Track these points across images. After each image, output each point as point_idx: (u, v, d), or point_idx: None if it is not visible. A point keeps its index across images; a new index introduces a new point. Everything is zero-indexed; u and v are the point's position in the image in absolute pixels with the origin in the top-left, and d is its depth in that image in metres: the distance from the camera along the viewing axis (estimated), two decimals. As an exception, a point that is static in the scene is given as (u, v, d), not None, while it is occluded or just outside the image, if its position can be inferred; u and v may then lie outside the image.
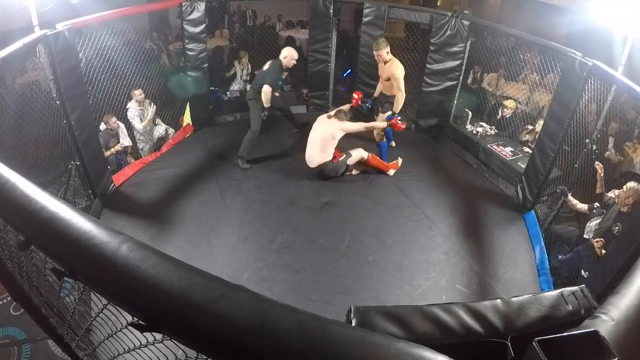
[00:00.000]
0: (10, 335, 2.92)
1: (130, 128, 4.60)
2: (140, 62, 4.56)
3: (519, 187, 4.25)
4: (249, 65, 6.15)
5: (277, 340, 0.57)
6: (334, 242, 3.58)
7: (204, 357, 0.63)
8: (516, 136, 5.02)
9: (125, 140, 4.46)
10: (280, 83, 4.67)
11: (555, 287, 3.24)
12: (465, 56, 4.94)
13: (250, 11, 8.67)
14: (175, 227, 3.64)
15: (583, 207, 3.52)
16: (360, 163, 4.44)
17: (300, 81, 5.99)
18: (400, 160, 4.62)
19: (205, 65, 5.07)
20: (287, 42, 7.27)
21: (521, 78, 5.86)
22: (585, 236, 3.34)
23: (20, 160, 3.21)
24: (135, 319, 0.65)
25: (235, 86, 6.00)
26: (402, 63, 4.45)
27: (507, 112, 5.19)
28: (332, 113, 4.40)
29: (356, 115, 4.80)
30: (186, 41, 4.85)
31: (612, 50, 4.44)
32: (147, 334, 0.68)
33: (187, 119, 5.34)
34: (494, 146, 4.86)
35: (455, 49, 4.89)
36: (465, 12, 4.82)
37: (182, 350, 0.72)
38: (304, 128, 5.15)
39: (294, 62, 4.51)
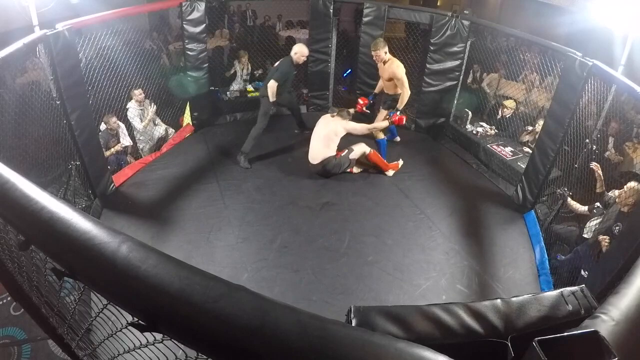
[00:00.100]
0: (10, 335, 2.92)
1: (130, 128, 4.61)
2: (140, 62, 4.56)
3: (519, 187, 4.25)
4: (249, 65, 6.14)
5: (277, 340, 0.57)
6: (334, 242, 3.58)
7: (204, 357, 0.63)
8: (516, 136, 5.02)
9: (125, 140, 4.46)
10: (290, 78, 4.68)
11: (555, 287, 3.24)
12: (465, 56, 4.94)
13: (250, 11, 8.68)
14: (175, 227, 3.64)
15: (583, 209, 3.52)
16: (361, 160, 4.44)
17: (300, 81, 5.99)
18: (401, 162, 4.61)
19: (205, 65, 5.07)
20: (287, 42, 7.27)
21: (521, 78, 5.86)
22: (585, 236, 3.34)
23: (20, 160, 3.21)
24: (135, 319, 0.65)
25: (235, 86, 6.00)
26: (402, 63, 4.45)
27: (507, 112, 5.19)
28: (335, 113, 4.43)
29: (358, 116, 4.80)
30: (186, 41, 4.85)
31: (612, 50, 4.44)
32: (147, 334, 0.68)
33: (187, 119, 5.34)
34: (494, 146, 4.86)
35: (455, 49, 4.89)
36: (465, 12, 4.83)
37: (182, 350, 0.72)
38: (305, 130, 5.16)
39: (304, 58, 4.57)
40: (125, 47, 4.33)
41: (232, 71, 6.09)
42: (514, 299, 0.83)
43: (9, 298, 3.09)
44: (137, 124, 4.59)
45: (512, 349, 0.74)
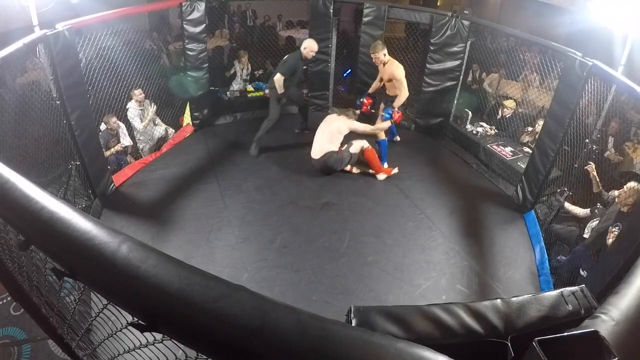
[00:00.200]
0: (10, 335, 2.92)
1: (130, 128, 4.61)
2: (140, 62, 4.56)
3: (519, 187, 4.25)
4: (249, 65, 6.15)
5: (277, 340, 0.57)
6: (334, 242, 3.58)
7: (204, 357, 0.63)
8: (516, 136, 5.02)
9: (125, 140, 4.46)
10: (298, 72, 4.74)
11: (555, 287, 3.24)
12: (465, 56, 4.94)
13: (250, 11, 8.67)
14: (175, 227, 3.64)
15: (585, 211, 3.51)
16: (360, 159, 4.44)
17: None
18: (396, 170, 4.53)
19: (205, 65, 5.07)
20: (287, 42, 7.27)
21: (521, 78, 5.86)
22: (585, 236, 3.34)
23: (20, 160, 3.21)
24: (135, 319, 0.65)
25: (235, 86, 6.00)
26: (402, 63, 4.46)
27: (507, 112, 5.19)
28: (339, 112, 4.47)
29: (360, 118, 4.80)
30: (186, 41, 4.85)
31: (612, 50, 4.44)
32: (147, 334, 0.68)
33: (187, 119, 5.34)
34: (494, 146, 4.86)
35: (455, 49, 4.89)
36: (465, 12, 4.84)
37: (182, 350, 0.72)
38: (306, 130, 5.17)
39: (313, 53, 4.63)
40: (125, 47, 4.33)
41: (232, 71, 6.09)
42: (514, 299, 0.83)
43: (9, 298, 3.09)
44: (137, 124, 4.59)
45: (512, 349, 0.74)
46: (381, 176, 4.44)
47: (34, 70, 4.35)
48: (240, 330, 0.57)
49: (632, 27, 4.02)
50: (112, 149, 4.37)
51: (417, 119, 5.59)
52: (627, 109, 4.68)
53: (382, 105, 4.76)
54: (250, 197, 4.11)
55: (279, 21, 8.88)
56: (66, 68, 3.25)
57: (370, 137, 4.62)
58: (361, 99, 4.73)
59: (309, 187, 4.31)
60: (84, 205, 3.67)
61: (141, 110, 4.63)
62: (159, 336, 0.67)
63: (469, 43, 4.87)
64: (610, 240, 2.87)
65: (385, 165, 4.63)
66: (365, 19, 5.25)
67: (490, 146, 4.86)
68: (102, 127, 4.33)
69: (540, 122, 4.30)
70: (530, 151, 4.35)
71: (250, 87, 6.04)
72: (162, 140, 4.94)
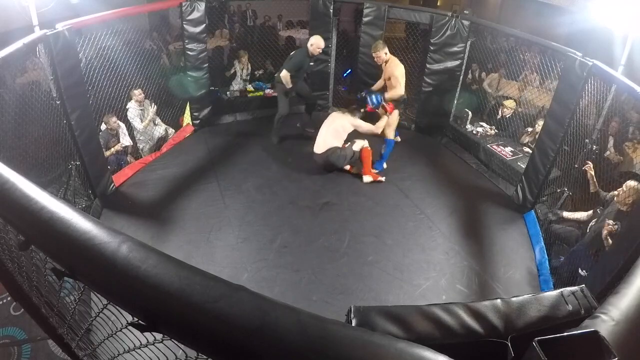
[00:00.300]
0: (10, 335, 2.92)
1: (130, 128, 4.60)
2: (140, 62, 4.56)
3: (519, 187, 4.25)
4: (249, 65, 6.14)
5: (277, 340, 0.57)
6: (334, 242, 3.58)
7: (204, 357, 0.63)
8: (516, 136, 5.02)
9: (125, 140, 4.46)
10: (304, 68, 4.81)
11: (555, 287, 3.24)
12: (465, 56, 4.94)
13: (250, 11, 8.68)
14: (175, 227, 3.64)
15: (587, 214, 3.51)
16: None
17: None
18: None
19: (205, 65, 5.07)
20: (287, 42, 7.27)
21: (521, 78, 5.86)
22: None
23: (20, 160, 3.21)
24: (135, 319, 0.65)
25: (236, 86, 6.00)
26: (402, 63, 4.45)
27: (507, 112, 5.19)
28: (342, 110, 4.50)
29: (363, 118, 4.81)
30: (186, 41, 4.85)
31: (612, 50, 4.44)
32: (147, 334, 0.68)
33: (187, 119, 5.34)
34: (494, 146, 4.86)
35: (455, 49, 4.89)
36: (465, 12, 4.84)
37: (182, 350, 0.72)
38: (309, 128, 5.18)
39: (320, 50, 4.70)
40: (125, 47, 4.33)
41: (232, 71, 6.09)
42: (514, 299, 0.83)
43: (9, 298, 3.09)
44: (137, 124, 4.59)
45: (512, 349, 0.74)
46: (367, 178, 4.40)
47: (34, 70, 4.36)
48: (240, 330, 0.57)
49: (632, 27, 4.02)
50: (112, 149, 4.37)
51: (417, 119, 5.59)
52: (627, 109, 4.68)
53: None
54: (250, 197, 4.11)
55: (279, 21, 8.88)
56: (66, 68, 3.25)
57: (379, 137, 4.62)
58: (362, 94, 4.67)
59: (309, 187, 4.31)
60: (84, 205, 3.67)
61: (141, 110, 4.63)
62: (159, 336, 0.67)
63: (469, 43, 4.87)
64: (605, 233, 2.87)
65: (385, 165, 4.63)
66: (365, 19, 5.25)
67: (490, 146, 4.86)
68: (103, 127, 4.33)
69: (540, 122, 4.30)
70: (530, 151, 4.35)
71: (250, 87, 6.04)
72: (162, 140, 4.94)
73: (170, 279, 0.62)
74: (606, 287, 2.37)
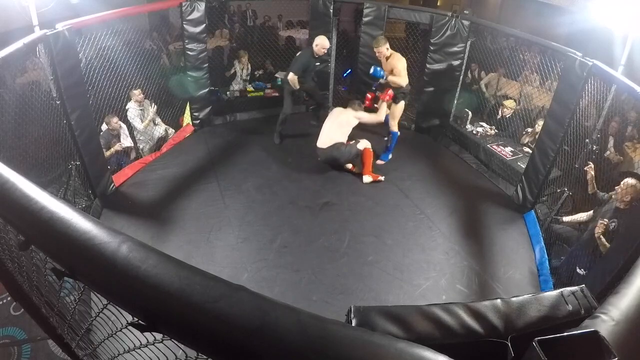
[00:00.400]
0: (10, 335, 2.92)
1: (130, 128, 4.60)
2: (140, 62, 4.56)
3: (519, 187, 4.25)
4: (249, 65, 6.15)
5: (277, 340, 0.57)
6: (334, 242, 3.58)
7: (204, 357, 0.63)
8: (516, 136, 5.02)
9: (126, 141, 4.45)
10: (310, 68, 4.84)
11: (555, 287, 3.24)
12: (465, 56, 4.94)
13: (250, 11, 8.68)
14: (175, 227, 3.64)
15: (588, 214, 3.50)
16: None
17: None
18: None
19: (205, 65, 5.07)
20: (287, 42, 7.27)
21: (521, 78, 5.86)
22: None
23: (20, 160, 3.21)
24: (135, 319, 0.65)
25: (236, 86, 6.00)
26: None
27: (507, 112, 5.19)
28: (344, 105, 4.53)
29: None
30: (186, 41, 4.85)
31: (612, 50, 4.44)
32: (147, 334, 0.68)
33: (187, 119, 5.34)
34: (494, 146, 4.86)
35: (455, 49, 4.89)
36: (465, 12, 4.84)
37: (182, 350, 0.72)
38: (315, 121, 5.22)
39: (325, 50, 4.73)
40: (125, 47, 4.33)
41: (232, 71, 6.09)
42: (514, 299, 0.83)
43: (9, 298, 3.09)
44: (137, 124, 4.59)
45: (512, 349, 0.74)
46: (367, 178, 4.40)
47: (34, 70, 4.35)
48: (240, 330, 0.58)
49: (632, 27, 4.02)
50: (113, 149, 4.37)
51: (417, 119, 5.59)
52: (627, 109, 4.67)
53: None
54: (250, 197, 4.11)
55: (279, 21, 8.88)
56: (66, 68, 3.25)
57: (384, 128, 4.69)
58: (371, 71, 4.58)
59: (309, 187, 4.31)
60: (84, 205, 3.67)
61: (141, 110, 4.63)
62: (159, 336, 0.67)
63: (469, 43, 4.86)
64: (597, 231, 2.87)
65: (390, 156, 4.77)
66: (365, 19, 5.25)
67: (490, 146, 4.86)
68: (104, 127, 4.33)
69: (540, 122, 4.30)
70: (530, 151, 4.35)
71: (250, 87, 6.04)
72: (162, 140, 4.94)
73: (170, 279, 0.62)
74: (606, 287, 2.37)
